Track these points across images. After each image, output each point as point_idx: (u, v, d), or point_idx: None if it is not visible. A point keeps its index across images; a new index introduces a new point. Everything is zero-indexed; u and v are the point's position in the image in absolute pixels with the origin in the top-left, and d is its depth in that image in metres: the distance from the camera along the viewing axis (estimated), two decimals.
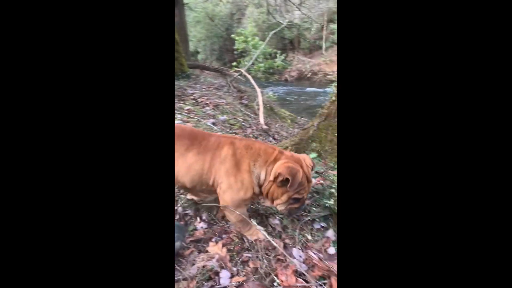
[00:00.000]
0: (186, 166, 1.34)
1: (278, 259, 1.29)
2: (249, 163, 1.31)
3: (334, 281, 1.16)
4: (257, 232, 1.40)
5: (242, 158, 1.32)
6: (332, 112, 2.00)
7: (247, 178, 1.30)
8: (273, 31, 8.14)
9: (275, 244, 1.33)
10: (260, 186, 1.33)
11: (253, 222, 1.45)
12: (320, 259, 1.27)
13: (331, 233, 1.46)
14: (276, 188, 1.28)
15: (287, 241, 1.41)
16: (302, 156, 1.35)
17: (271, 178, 1.27)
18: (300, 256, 1.31)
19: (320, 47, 13.59)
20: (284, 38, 14.35)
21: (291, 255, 1.30)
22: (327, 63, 12.22)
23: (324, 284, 1.17)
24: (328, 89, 7.91)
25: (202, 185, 1.39)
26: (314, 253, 1.33)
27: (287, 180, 1.22)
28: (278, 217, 1.57)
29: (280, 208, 1.33)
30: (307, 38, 14.08)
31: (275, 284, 1.16)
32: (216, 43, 15.24)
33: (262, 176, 1.31)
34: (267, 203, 1.38)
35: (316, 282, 1.18)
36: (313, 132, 2.09)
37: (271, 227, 1.50)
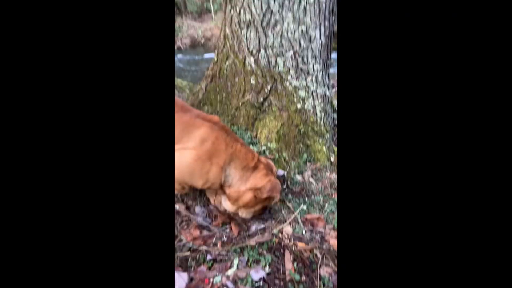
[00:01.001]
0: (177, 158, 1.20)
1: (183, 221, 1.33)
2: (225, 159, 1.20)
3: (233, 225, 1.30)
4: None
5: (218, 150, 1.19)
6: (216, 73, 2.03)
7: (215, 172, 1.19)
8: None
9: (177, 207, 1.35)
10: (225, 186, 1.26)
11: None
12: (218, 210, 1.39)
13: None
14: (253, 199, 1.25)
15: (189, 202, 1.45)
16: (269, 161, 1.35)
17: (249, 186, 1.23)
18: (202, 212, 1.38)
19: (208, 10, 13.07)
20: None
21: (193, 213, 1.36)
22: (218, 26, 11.97)
23: (226, 228, 1.30)
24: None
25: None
26: (215, 206, 1.43)
27: (271, 198, 1.25)
28: None
29: (246, 215, 1.32)
30: (193, 0, 13.23)
31: (182, 243, 1.21)
32: None
33: (234, 180, 1.24)
34: (227, 204, 1.32)
35: (219, 228, 1.29)
36: (202, 96, 2.09)
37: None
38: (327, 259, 1.15)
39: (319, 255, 1.16)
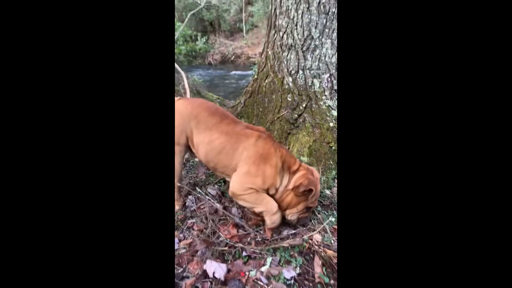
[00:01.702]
0: (207, 140, 1.36)
1: (220, 220, 1.47)
2: (277, 161, 1.30)
3: (267, 230, 1.41)
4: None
5: (269, 154, 1.30)
6: (255, 89, 2.22)
7: (270, 172, 1.28)
8: (191, 12, 7.87)
9: (217, 206, 1.49)
10: (277, 190, 1.33)
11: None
12: (254, 212, 1.51)
13: None
14: (295, 198, 1.31)
15: (226, 204, 1.59)
16: (311, 168, 1.40)
17: (291, 186, 1.30)
18: (238, 213, 1.51)
19: (240, 30, 13.74)
20: (203, 19, 13.93)
21: (231, 213, 1.49)
22: (249, 46, 12.52)
23: (260, 230, 1.41)
24: (251, 72, 8.23)
25: (216, 163, 1.39)
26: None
27: (309, 190, 1.28)
28: (216, 186, 1.73)
29: (292, 217, 1.36)
30: (226, 20, 14.00)
31: (221, 239, 1.34)
32: None
33: (284, 181, 1.33)
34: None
35: (254, 229, 1.41)
36: (240, 109, 2.27)
37: (211, 194, 1.66)
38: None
39: None
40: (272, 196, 1.34)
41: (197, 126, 1.39)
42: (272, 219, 1.32)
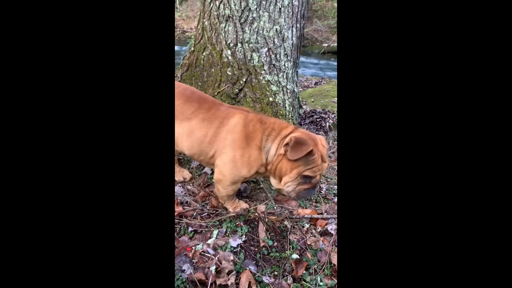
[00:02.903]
0: (188, 130, 1.23)
1: None
2: (262, 138, 1.17)
3: (213, 198, 1.41)
4: (240, 204, 1.37)
5: (254, 132, 1.17)
6: (193, 62, 2.10)
7: (255, 155, 1.17)
8: None
9: None
10: (267, 164, 1.19)
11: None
12: (199, 187, 1.49)
13: (207, 169, 1.68)
14: (286, 162, 1.14)
15: None
16: (318, 136, 1.23)
17: (282, 149, 1.14)
18: (181, 191, 1.47)
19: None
20: None
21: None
22: (183, 19, 11.66)
23: (206, 204, 1.41)
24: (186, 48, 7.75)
25: (201, 155, 1.26)
26: (193, 186, 1.53)
27: (297, 148, 1.08)
28: None
29: (289, 187, 1.17)
30: None
31: None
32: None
33: (273, 151, 1.16)
34: (274, 182, 1.23)
35: (200, 204, 1.39)
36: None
37: None
38: (295, 228, 1.34)
39: (288, 225, 1.34)
40: (264, 171, 1.23)
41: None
42: (226, 188, 1.26)
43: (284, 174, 1.16)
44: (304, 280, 1.09)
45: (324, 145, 1.19)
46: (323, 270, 1.13)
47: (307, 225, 1.37)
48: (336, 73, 7.37)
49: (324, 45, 10.23)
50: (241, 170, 1.19)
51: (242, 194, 1.54)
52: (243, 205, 1.38)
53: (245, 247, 1.22)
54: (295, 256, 1.18)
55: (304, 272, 1.11)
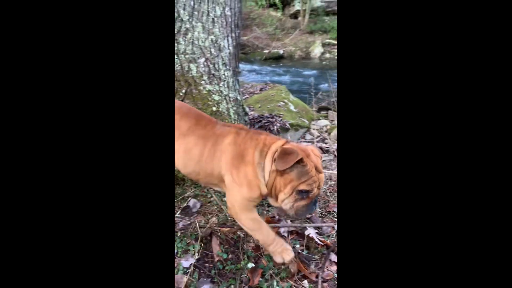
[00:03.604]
0: (184, 148, 1.17)
1: None
2: (254, 153, 1.10)
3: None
4: (283, 251, 1.12)
5: (246, 148, 1.11)
6: None
7: (251, 172, 1.09)
8: None
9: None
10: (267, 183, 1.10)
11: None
12: None
13: None
14: (279, 178, 1.05)
15: None
16: (309, 146, 1.15)
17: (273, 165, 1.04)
18: None
19: None
20: None
21: None
22: None
23: None
24: None
25: (198, 173, 1.19)
26: None
27: (284, 158, 1.00)
28: None
29: (286, 205, 1.06)
30: None
31: None
32: None
33: (268, 167, 1.07)
34: (272, 201, 1.13)
35: None
36: None
37: None
38: (250, 236, 1.33)
39: (242, 235, 1.33)
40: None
41: None
42: (246, 221, 1.15)
43: (279, 191, 1.06)
44: None
45: (317, 155, 1.13)
46: (279, 274, 1.14)
47: None
48: (279, 78, 7.70)
49: (265, 51, 10.63)
50: (242, 190, 1.10)
51: (192, 209, 1.48)
52: (290, 253, 1.14)
53: (198, 266, 1.17)
54: (250, 265, 1.17)
55: (261, 279, 1.11)
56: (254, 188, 1.10)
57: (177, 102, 1.30)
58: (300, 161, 1.00)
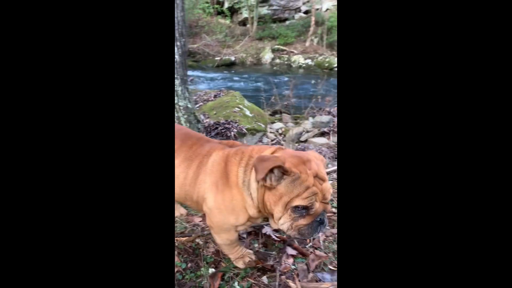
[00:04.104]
0: None
1: None
2: (237, 171, 0.96)
3: None
4: (243, 256, 1.17)
5: (229, 166, 0.98)
6: None
7: (236, 195, 0.96)
8: None
9: None
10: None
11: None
12: None
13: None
14: (267, 194, 0.88)
15: None
16: (310, 152, 0.98)
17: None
18: None
19: None
20: None
21: None
22: None
23: None
24: None
25: (186, 199, 1.10)
26: None
27: (281, 176, 0.85)
28: None
29: (283, 225, 0.89)
30: None
31: None
32: None
33: (253, 184, 0.92)
34: (272, 223, 0.97)
35: None
36: None
37: None
38: (209, 242, 1.34)
39: (201, 242, 1.33)
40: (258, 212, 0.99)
41: None
42: (220, 236, 1.11)
43: (272, 210, 0.89)
44: None
45: (319, 158, 0.95)
46: (239, 274, 1.17)
47: None
48: (232, 84, 7.79)
49: (216, 58, 10.66)
50: (228, 218, 1.00)
51: None
52: (246, 258, 1.17)
53: None
54: (211, 270, 1.18)
55: (221, 283, 1.13)
56: (241, 213, 0.98)
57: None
58: (281, 168, 0.84)
